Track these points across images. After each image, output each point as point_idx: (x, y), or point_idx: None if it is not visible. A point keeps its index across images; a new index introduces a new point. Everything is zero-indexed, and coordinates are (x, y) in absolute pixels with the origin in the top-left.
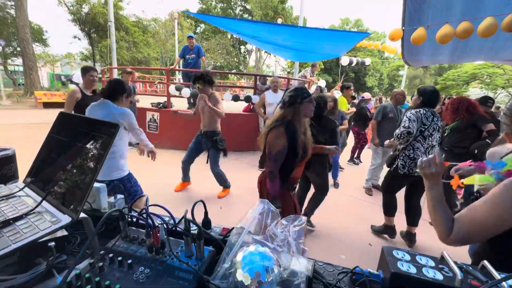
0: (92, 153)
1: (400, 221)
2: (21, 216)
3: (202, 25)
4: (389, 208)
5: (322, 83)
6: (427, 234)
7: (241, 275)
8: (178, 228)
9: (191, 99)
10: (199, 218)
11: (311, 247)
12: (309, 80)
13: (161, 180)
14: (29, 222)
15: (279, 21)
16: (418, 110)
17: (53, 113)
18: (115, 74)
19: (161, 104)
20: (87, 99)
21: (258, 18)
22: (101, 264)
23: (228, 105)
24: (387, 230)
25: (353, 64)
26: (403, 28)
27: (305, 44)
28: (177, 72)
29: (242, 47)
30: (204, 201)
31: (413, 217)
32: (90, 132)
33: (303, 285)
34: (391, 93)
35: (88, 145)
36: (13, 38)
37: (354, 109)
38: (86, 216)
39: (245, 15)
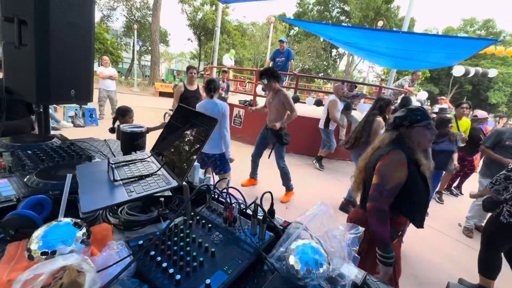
0: (196, 138)
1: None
2: (148, 174)
3: (296, 28)
4: (488, 268)
5: (423, 95)
6: None
7: (293, 260)
8: (247, 211)
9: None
10: (266, 208)
11: None
12: (407, 91)
13: (233, 171)
14: (153, 179)
15: (380, 23)
16: None
17: (165, 101)
18: (214, 72)
19: (247, 102)
20: (188, 92)
21: (357, 20)
22: (190, 222)
23: (310, 109)
24: None
25: (470, 75)
26: None
27: (406, 51)
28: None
29: (334, 50)
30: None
31: None
32: (197, 122)
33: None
34: None
35: (194, 132)
36: (147, 40)
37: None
38: (186, 184)
39: (342, 17)
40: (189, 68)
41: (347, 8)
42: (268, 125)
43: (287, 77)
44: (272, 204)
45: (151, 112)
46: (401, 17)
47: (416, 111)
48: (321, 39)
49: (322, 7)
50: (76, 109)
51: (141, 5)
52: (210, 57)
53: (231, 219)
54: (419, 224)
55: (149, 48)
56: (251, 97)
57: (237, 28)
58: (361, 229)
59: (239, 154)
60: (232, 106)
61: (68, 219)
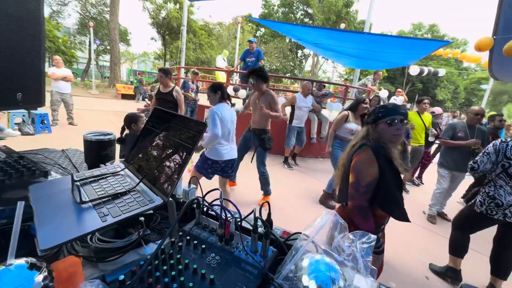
0: (182, 145)
1: (472, 264)
2: (126, 192)
3: (262, 29)
4: (457, 248)
5: (384, 93)
6: None
7: (307, 281)
8: (243, 223)
9: (247, 100)
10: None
11: None
12: (370, 89)
13: None
14: (132, 198)
15: (342, 26)
16: (505, 140)
17: (129, 104)
18: (182, 73)
19: None
20: (159, 94)
21: (320, 22)
22: (180, 244)
23: None
24: (449, 273)
25: (423, 74)
26: (495, 36)
27: (369, 51)
28: (235, 73)
29: (299, 51)
30: (249, 203)
31: (503, 268)
32: (182, 127)
33: None
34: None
35: (180, 139)
36: (106, 38)
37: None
38: (172, 200)
39: (306, 19)
40: (158, 70)
41: (310, 10)
42: (252, 126)
43: None
44: (269, 214)
45: (115, 116)
46: (359, 20)
47: (380, 108)
48: (287, 40)
49: (287, 9)
50: (23, 115)
51: (97, 1)
52: (176, 57)
53: (228, 237)
54: (401, 217)
55: (108, 47)
56: None
57: (203, 27)
58: (373, 237)
59: None
60: (203, 107)
61: (21, 261)
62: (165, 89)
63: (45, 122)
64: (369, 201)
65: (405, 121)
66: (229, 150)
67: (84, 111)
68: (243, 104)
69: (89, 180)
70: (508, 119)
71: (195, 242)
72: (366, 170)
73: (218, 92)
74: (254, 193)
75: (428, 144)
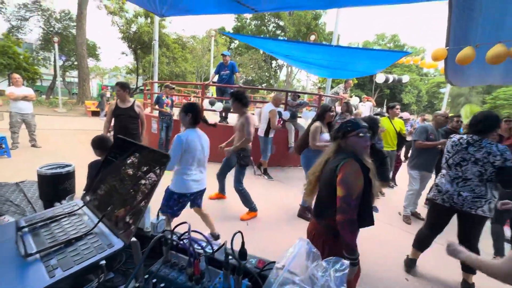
0: (146, 180)
1: (445, 261)
2: (81, 236)
3: (236, 41)
4: (418, 241)
5: (355, 100)
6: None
7: None
8: (216, 257)
9: (223, 113)
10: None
11: None
12: (342, 97)
13: None
14: (88, 243)
15: (312, 37)
16: (454, 135)
17: (99, 121)
18: (156, 88)
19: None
20: (118, 109)
21: (291, 34)
22: None
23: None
24: (407, 262)
25: (389, 82)
26: (448, 47)
27: (338, 62)
28: (211, 87)
29: (274, 62)
30: (236, 217)
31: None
32: (144, 159)
33: None
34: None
35: (143, 173)
36: (72, 54)
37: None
38: (135, 240)
39: (278, 32)
40: (115, 85)
41: (281, 23)
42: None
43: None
44: (243, 244)
45: (84, 135)
46: (328, 32)
47: (347, 123)
48: (261, 52)
49: (259, 21)
50: None
51: (62, 16)
52: (149, 71)
53: (198, 276)
54: (370, 222)
55: (76, 62)
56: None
57: (176, 41)
58: (346, 263)
59: None
60: (178, 122)
61: None
62: (125, 104)
63: (3, 146)
64: None
65: (369, 132)
66: (198, 180)
67: (49, 131)
68: (220, 116)
69: (39, 224)
70: (465, 119)
71: (162, 285)
72: (355, 183)
73: (188, 114)
74: (242, 206)
75: (399, 147)
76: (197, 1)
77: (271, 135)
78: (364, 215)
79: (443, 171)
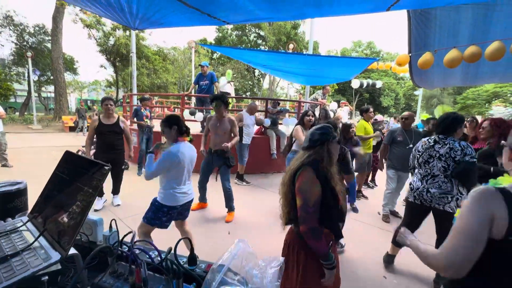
0: (84, 192)
1: None
2: (17, 252)
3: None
4: (395, 237)
5: (334, 105)
6: None
7: None
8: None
9: (204, 123)
10: (202, 249)
11: None
12: (321, 103)
13: None
14: (23, 259)
15: (291, 46)
16: (427, 137)
17: (76, 137)
18: (135, 100)
19: None
20: (104, 126)
21: (272, 43)
22: None
23: None
24: (386, 257)
25: (363, 87)
26: (410, 53)
27: (314, 70)
28: (192, 97)
29: (256, 71)
30: (220, 219)
31: None
32: (86, 171)
33: None
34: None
35: (82, 185)
36: (48, 68)
37: (377, 134)
38: (76, 252)
39: (259, 41)
40: (104, 99)
41: (262, 33)
42: (213, 148)
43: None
44: (192, 250)
45: (60, 152)
46: (307, 41)
47: (326, 130)
48: None
49: (240, 32)
50: None
51: (36, 30)
52: (129, 84)
53: (140, 284)
54: (337, 234)
55: (51, 77)
56: None
57: (157, 53)
58: (281, 259)
59: None
60: (159, 133)
61: None
62: (110, 120)
63: None
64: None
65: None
66: (187, 191)
67: (22, 149)
68: (201, 126)
69: None
70: None
71: None
72: (311, 190)
73: (174, 127)
74: (223, 209)
75: (376, 149)
76: (168, 14)
77: (245, 141)
78: (331, 225)
79: (415, 171)
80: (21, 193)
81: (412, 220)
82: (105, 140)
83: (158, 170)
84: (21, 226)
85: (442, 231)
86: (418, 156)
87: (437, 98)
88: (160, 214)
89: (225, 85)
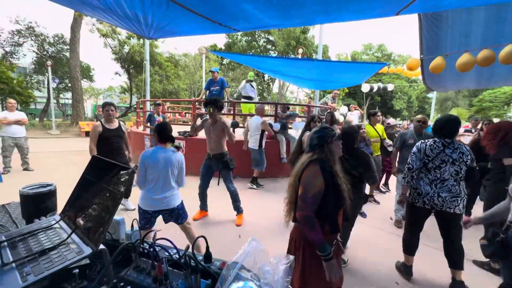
0: (112, 193)
1: (432, 260)
2: (54, 246)
3: None
4: (406, 246)
5: (344, 109)
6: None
7: None
8: (182, 261)
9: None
10: (213, 251)
11: None
12: (330, 107)
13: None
14: (59, 252)
15: (300, 51)
16: (425, 141)
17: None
18: (148, 105)
19: (187, 133)
20: (108, 131)
21: (281, 48)
22: None
23: None
24: (402, 268)
25: (374, 91)
26: (421, 57)
27: (323, 74)
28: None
29: (266, 75)
30: (226, 221)
31: (457, 259)
32: (112, 174)
33: None
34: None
35: (109, 186)
36: (66, 76)
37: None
38: (104, 247)
39: (269, 46)
40: (105, 105)
41: (271, 38)
42: (210, 153)
43: (226, 105)
44: (207, 248)
45: (76, 156)
46: (317, 45)
47: (322, 132)
48: None
49: (250, 37)
50: None
51: (55, 40)
52: (142, 90)
53: (161, 277)
54: (332, 230)
55: (69, 85)
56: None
57: (169, 59)
58: (291, 257)
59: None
60: None
61: None
62: (112, 125)
63: None
64: (316, 215)
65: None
66: (159, 199)
67: (42, 154)
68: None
69: (18, 239)
70: None
71: (129, 287)
72: (312, 182)
73: (155, 134)
74: (230, 216)
75: (388, 153)
76: (181, 24)
77: (264, 147)
78: (326, 219)
79: (421, 175)
80: (52, 194)
81: (416, 223)
82: (112, 144)
83: (137, 176)
84: (55, 223)
85: (452, 232)
86: (427, 161)
87: (452, 101)
88: (140, 216)
89: (245, 86)
